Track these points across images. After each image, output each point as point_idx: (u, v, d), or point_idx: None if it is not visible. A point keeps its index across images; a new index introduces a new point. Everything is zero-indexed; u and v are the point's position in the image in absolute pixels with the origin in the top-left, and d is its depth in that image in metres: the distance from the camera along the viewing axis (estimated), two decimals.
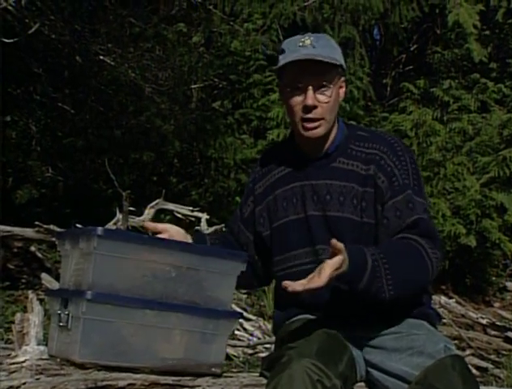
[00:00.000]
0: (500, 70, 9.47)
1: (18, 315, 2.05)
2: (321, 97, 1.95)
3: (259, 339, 5.07)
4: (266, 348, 4.87)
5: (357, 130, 2.11)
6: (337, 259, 1.75)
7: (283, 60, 1.97)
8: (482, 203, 7.93)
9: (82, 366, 1.85)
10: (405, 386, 1.89)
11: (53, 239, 4.94)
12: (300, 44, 1.96)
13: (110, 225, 5.42)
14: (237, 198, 7.22)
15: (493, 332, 6.61)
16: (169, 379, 1.89)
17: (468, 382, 1.83)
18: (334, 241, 1.75)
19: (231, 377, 2.00)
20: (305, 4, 6.87)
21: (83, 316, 1.81)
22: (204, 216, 5.98)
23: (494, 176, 7.96)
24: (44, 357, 1.93)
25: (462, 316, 6.93)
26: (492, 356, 6.00)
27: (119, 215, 5.49)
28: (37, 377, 1.83)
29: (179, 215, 6.17)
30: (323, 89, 1.96)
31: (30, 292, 2.26)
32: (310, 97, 1.94)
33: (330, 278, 1.74)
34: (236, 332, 5.03)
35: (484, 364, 5.66)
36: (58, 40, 6.57)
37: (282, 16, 6.97)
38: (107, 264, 1.83)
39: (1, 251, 5.35)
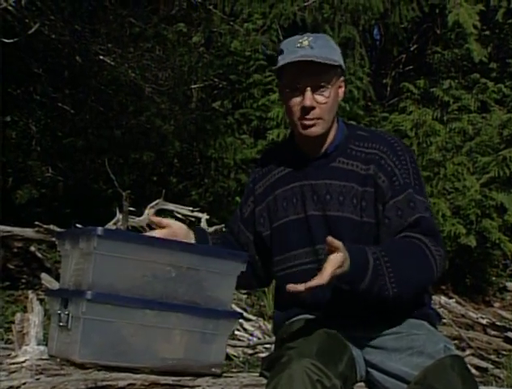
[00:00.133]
0: (500, 70, 9.48)
1: (18, 315, 2.05)
2: (319, 98, 1.96)
3: (259, 339, 5.07)
4: (266, 348, 4.87)
5: (357, 129, 2.11)
6: (338, 256, 1.75)
7: (281, 61, 1.97)
8: (482, 203, 7.94)
9: (82, 366, 1.85)
10: (405, 386, 1.89)
11: (53, 239, 4.94)
12: (299, 44, 1.96)
13: (110, 225, 5.42)
14: (237, 198, 7.22)
15: (493, 332, 6.61)
16: (169, 379, 1.89)
17: (467, 382, 1.83)
18: (330, 238, 1.75)
19: (231, 377, 2.00)
20: (305, 4, 6.87)
21: (83, 316, 1.81)
22: (204, 216, 5.98)
23: (494, 176, 7.96)
24: (44, 357, 1.93)
25: (462, 316, 6.93)
26: (492, 357, 6.00)
27: (119, 215, 5.50)
28: (37, 377, 1.83)
29: (179, 216, 6.17)
30: (321, 90, 1.96)
31: (30, 292, 2.26)
32: (308, 98, 1.95)
33: (332, 276, 1.74)
34: (236, 332, 5.03)
35: (484, 364, 5.66)
36: (58, 40, 6.57)
37: (282, 16, 6.97)
38: (107, 264, 1.83)
39: (1, 251, 5.35)
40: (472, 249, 8.03)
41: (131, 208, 5.58)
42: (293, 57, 1.93)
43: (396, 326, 1.99)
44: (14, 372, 1.86)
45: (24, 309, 3.51)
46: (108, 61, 6.67)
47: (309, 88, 1.94)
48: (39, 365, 1.88)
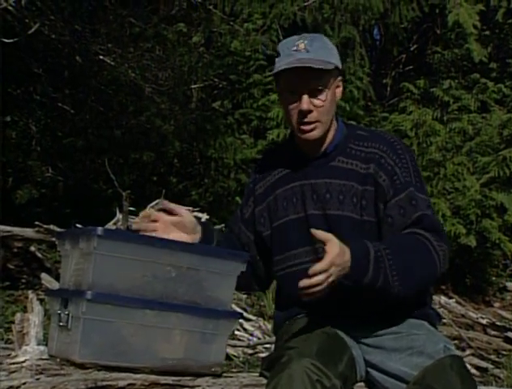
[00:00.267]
0: (500, 70, 9.48)
1: (18, 315, 2.05)
2: (316, 101, 1.96)
3: (259, 339, 5.07)
4: (266, 348, 4.87)
5: (357, 129, 2.11)
6: (333, 244, 1.76)
7: (277, 64, 1.98)
8: (482, 203, 7.93)
9: (82, 366, 1.85)
10: (404, 386, 1.89)
11: (53, 239, 4.94)
12: (295, 48, 1.96)
13: (110, 225, 5.42)
14: (237, 198, 7.22)
15: (493, 332, 6.62)
16: (169, 379, 1.89)
17: (466, 382, 1.84)
18: (313, 231, 1.77)
19: (231, 377, 2.01)
20: (305, 4, 6.87)
21: (83, 316, 1.81)
22: (204, 216, 5.98)
23: (494, 176, 7.96)
24: (44, 357, 1.93)
25: (462, 316, 6.93)
26: (492, 357, 6.00)
27: (119, 215, 5.50)
28: (37, 377, 1.83)
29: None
30: (318, 93, 1.96)
31: (30, 292, 2.26)
32: (305, 102, 1.95)
33: (333, 262, 1.74)
34: (236, 332, 5.03)
35: (484, 364, 5.66)
36: (58, 40, 6.57)
37: (282, 16, 6.97)
38: (107, 264, 1.83)
39: (1, 251, 5.35)
40: (472, 249, 8.03)
41: (131, 208, 5.58)
42: (289, 62, 1.94)
43: (396, 326, 1.99)
44: (14, 372, 1.86)
45: (24, 309, 3.52)
46: (108, 61, 6.67)
47: (305, 92, 1.95)
48: (39, 365, 1.88)
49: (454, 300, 7.58)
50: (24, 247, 5.65)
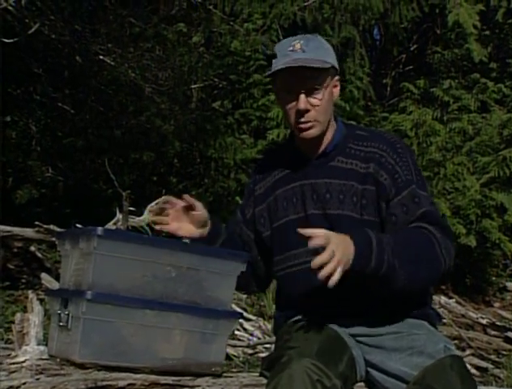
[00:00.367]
0: (500, 70, 9.47)
1: (18, 315, 2.05)
2: (313, 101, 1.97)
3: (259, 339, 5.07)
4: (266, 348, 4.87)
5: (356, 129, 2.12)
6: (328, 233, 1.77)
7: (274, 65, 1.99)
8: (482, 203, 7.93)
9: (82, 366, 1.85)
10: (404, 386, 1.89)
11: (53, 239, 4.93)
12: (291, 48, 1.97)
13: (110, 225, 5.41)
14: (237, 198, 7.22)
15: (493, 332, 6.61)
16: (169, 379, 1.89)
17: (466, 382, 1.84)
18: (301, 230, 1.78)
19: (231, 377, 2.01)
20: (305, 4, 6.87)
21: (83, 316, 1.82)
22: None
23: (494, 176, 7.96)
24: (44, 357, 1.93)
25: (463, 316, 6.93)
26: (492, 357, 6.00)
27: (119, 215, 5.49)
28: (37, 377, 1.83)
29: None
30: (315, 92, 1.97)
31: (30, 292, 2.26)
32: (302, 102, 1.96)
33: (333, 242, 1.75)
34: (236, 332, 5.03)
35: (484, 364, 5.66)
36: (58, 40, 6.57)
37: (282, 16, 6.97)
38: (107, 264, 1.83)
39: (1, 251, 5.35)
40: (472, 249, 8.03)
41: (131, 208, 5.58)
42: (285, 62, 1.95)
43: (396, 325, 1.99)
44: (14, 372, 1.86)
45: (24, 309, 3.51)
46: (108, 61, 6.67)
47: (302, 92, 1.96)
48: (39, 365, 1.88)
49: (454, 300, 7.58)
50: (24, 247, 5.66)
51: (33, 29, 5.82)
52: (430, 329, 2.01)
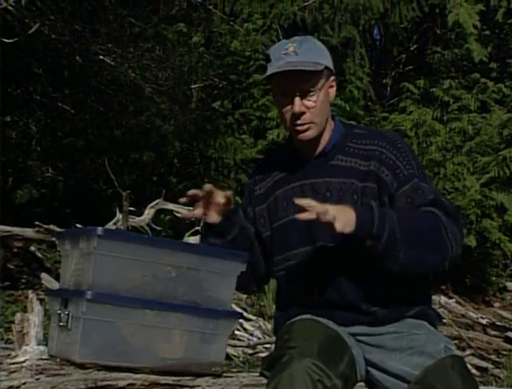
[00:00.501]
0: (500, 70, 9.47)
1: (18, 315, 2.05)
2: (308, 103, 1.98)
3: (259, 339, 5.07)
4: (266, 348, 4.87)
5: (354, 128, 2.13)
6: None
7: (269, 68, 2.00)
8: (482, 203, 7.93)
9: (82, 366, 1.85)
10: (405, 385, 1.89)
11: (53, 239, 4.93)
12: (284, 51, 1.98)
13: (110, 225, 5.42)
14: (237, 198, 7.21)
15: (493, 332, 6.61)
16: (169, 379, 1.89)
17: (468, 382, 1.84)
18: (297, 200, 1.81)
19: (231, 377, 2.01)
20: (305, 4, 6.88)
21: (83, 316, 1.81)
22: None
23: (494, 176, 7.96)
24: (44, 357, 1.93)
25: (463, 316, 6.93)
26: (492, 357, 6.00)
27: (119, 215, 5.50)
28: (37, 377, 1.83)
29: (179, 216, 6.17)
30: (309, 94, 1.98)
31: (30, 292, 2.26)
32: (297, 105, 1.97)
33: (323, 207, 1.78)
34: (236, 332, 5.03)
35: (484, 364, 5.66)
36: (58, 40, 6.57)
37: (282, 16, 6.98)
38: (107, 264, 1.83)
39: (1, 251, 5.35)
40: (472, 249, 8.02)
41: (131, 208, 5.58)
42: (278, 66, 1.96)
43: (396, 325, 1.99)
44: (14, 372, 1.86)
45: (24, 309, 3.51)
46: (108, 61, 6.67)
47: (297, 94, 1.97)
48: (39, 365, 1.88)
49: (454, 300, 7.58)
50: (24, 247, 5.66)
51: (33, 29, 5.83)
52: (430, 329, 2.00)
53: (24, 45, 6.45)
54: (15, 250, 5.66)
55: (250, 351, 4.84)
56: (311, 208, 1.79)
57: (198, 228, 5.88)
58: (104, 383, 1.83)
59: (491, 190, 8.01)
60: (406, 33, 9.10)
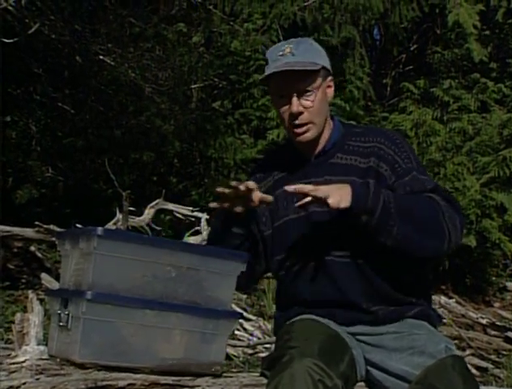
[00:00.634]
0: (500, 69, 9.47)
1: (18, 315, 2.05)
2: (305, 103, 1.99)
3: (259, 339, 5.07)
4: (266, 348, 4.87)
5: (353, 127, 2.16)
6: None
7: (266, 70, 2.02)
8: (482, 202, 7.93)
9: (82, 366, 1.85)
10: (405, 385, 1.89)
11: (53, 239, 4.93)
12: (281, 52, 2.00)
13: (110, 225, 5.42)
14: None
15: (493, 332, 6.61)
16: (169, 379, 1.89)
17: (468, 382, 1.84)
18: (287, 188, 1.84)
19: (231, 377, 2.01)
20: (305, 4, 6.88)
21: (83, 316, 1.81)
22: (204, 216, 5.98)
23: (494, 176, 7.96)
24: (44, 357, 1.93)
25: (463, 316, 6.93)
26: (492, 356, 6.00)
27: (119, 215, 5.50)
28: (37, 377, 1.83)
29: (179, 215, 6.18)
30: (307, 94, 1.99)
31: (30, 292, 2.26)
32: (295, 105, 1.98)
33: (317, 189, 1.82)
34: (236, 332, 5.03)
35: (484, 364, 5.66)
36: (58, 40, 6.57)
37: (282, 16, 6.98)
38: (107, 264, 1.83)
39: (1, 251, 5.35)
40: (472, 249, 8.02)
41: (131, 208, 5.58)
42: (275, 67, 1.98)
43: (397, 325, 1.99)
44: (14, 372, 1.86)
45: (24, 309, 3.51)
46: (108, 61, 6.67)
47: (294, 95, 1.98)
48: (39, 365, 1.88)
49: (454, 300, 7.57)
50: (24, 247, 5.66)
51: (33, 29, 5.83)
52: (431, 329, 2.01)
53: (24, 45, 6.45)
54: (15, 250, 5.66)
55: (250, 351, 4.84)
56: (299, 190, 1.80)
57: (199, 228, 5.89)
58: (104, 383, 1.83)
59: (491, 190, 8.01)
60: (406, 33, 9.10)
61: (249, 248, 2.11)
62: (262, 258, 2.14)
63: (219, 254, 1.97)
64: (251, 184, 1.98)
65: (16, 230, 5.27)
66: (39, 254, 5.69)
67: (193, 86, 7.84)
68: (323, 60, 2.03)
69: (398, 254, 1.90)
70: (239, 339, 5.03)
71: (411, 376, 1.88)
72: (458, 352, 2.01)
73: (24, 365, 1.88)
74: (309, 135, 2.02)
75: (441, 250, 1.92)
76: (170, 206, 6.15)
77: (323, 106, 2.03)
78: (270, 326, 5.20)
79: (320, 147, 2.06)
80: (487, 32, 9.39)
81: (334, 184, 1.89)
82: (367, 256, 1.95)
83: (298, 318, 2.02)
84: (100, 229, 1.82)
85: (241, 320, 4.73)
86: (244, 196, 1.98)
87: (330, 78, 2.06)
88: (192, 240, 5.52)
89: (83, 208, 6.79)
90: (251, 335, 5.13)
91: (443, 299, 7.18)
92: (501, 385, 5.12)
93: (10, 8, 5.64)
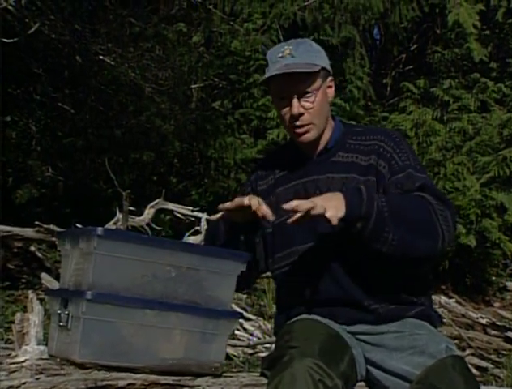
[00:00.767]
0: (500, 69, 9.47)
1: (18, 315, 2.05)
2: (306, 104, 2.00)
3: (259, 338, 5.07)
4: (266, 347, 4.87)
5: (354, 127, 2.18)
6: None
7: (266, 72, 2.02)
8: (482, 202, 7.93)
9: (82, 366, 1.85)
10: (406, 385, 1.89)
11: (53, 239, 4.94)
12: (280, 54, 2.00)
13: (110, 225, 5.42)
14: None
15: (493, 332, 6.61)
16: (169, 379, 1.89)
17: (469, 382, 1.84)
18: (285, 206, 1.81)
19: (231, 377, 2.01)
20: (305, 4, 6.88)
21: (83, 316, 1.81)
22: (204, 216, 5.98)
23: (494, 175, 7.96)
24: (44, 357, 1.93)
25: (463, 316, 6.93)
26: (492, 356, 6.00)
27: (119, 215, 5.50)
28: (37, 377, 1.83)
29: (179, 215, 6.18)
30: (307, 96, 1.99)
31: (30, 291, 2.26)
32: (295, 106, 1.99)
33: (314, 202, 1.79)
34: (236, 332, 5.03)
35: (484, 364, 5.66)
36: (58, 40, 6.57)
37: (282, 16, 6.98)
38: (107, 264, 1.83)
39: (1, 251, 5.35)
40: (472, 248, 8.03)
41: (131, 208, 5.58)
42: (274, 69, 1.98)
43: (397, 325, 1.99)
44: (14, 372, 1.86)
45: (24, 309, 3.52)
46: (108, 60, 6.67)
47: (295, 96, 1.98)
48: (39, 365, 1.88)
49: (454, 299, 7.58)
50: (24, 247, 5.66)
51: (33, 29, 5.83)
52: (432, 329, 2.00)
53: (24, 45, 6.45)
54: (15, 249, 5.66)
55: (250, 351, 4.84)
56: (299, 208, 1.79)
57: (198, 228, 5.89)
58: (104, 383, 1.83)
59: (491, 189, 8.01)
60: (406, 33, 9.10)
61: (250, 247, 2.11)
62: (262, 258, 2.14)
63: (219, 254, 1.97)
64: (254, 202, 1.95)
65: (16, 230, 5.28)
66: (39, 254, 5.69)
67: (193, 86, 7.84)
68: (323, 61, 2.03)
69: (393, 259, 1.90)
70: (239, 339, 5.03)
71: (412, 376, 1.88)
72: (459, 353, 2.01)
73: (24, 364, 1.88)
74: (309, 136, 2.03)
75: (436, 250, 1.92)
76: (170, 206, 6.15)
77: (324, 107, 2.03)
78: (270, 325, 5.21)
79: (321, 146, 2.07)
80: (487, 32, 9.40)
81: (326, 194, 1.87)
82: (368, 254, 1.95)
83: (298, 318, 2.02)
84: (100, 229, 1.82)
85: (241, 320, 4.73)
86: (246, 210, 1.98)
87: (330, 78, 2.07)
88: (192, 240, 5.52)
89: (83, 208, 6.79)
90: (251, 334, 5.13)
91: (443, 299, 7.18)
92: (501, 385, 5.12)
93: (10, 8, 5.64)
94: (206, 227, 5.76)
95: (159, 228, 6.04)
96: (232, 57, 7.95)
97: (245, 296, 6.02)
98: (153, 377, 1.88)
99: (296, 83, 1.98)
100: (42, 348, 1.96)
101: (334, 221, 1.79)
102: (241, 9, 7.08)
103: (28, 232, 5.29)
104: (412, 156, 2.03)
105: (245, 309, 5.60)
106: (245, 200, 1.95)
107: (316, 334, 1.89)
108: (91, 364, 1.84)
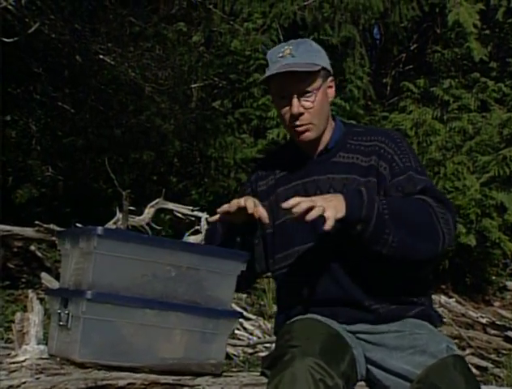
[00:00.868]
0: (500, 69, 9.47)
1: (18, 314, 2.05)
2: (306, 104, 1.99)
3: (259, 338, 5.07)
4: (266, 347, 4.87)
5: (354, 127, 2.17)
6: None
7: (267, 71, 2.02)
8: (482, 202, 7.94)
9: (82, 366, 1.84)
10: (406, 384, 1.89)
11: (53, 238, 4.94)
12: (280, 54, 2.01)
13: (110, 225, 5.42)
14: None
15: (493, 331, 6.62)
16: (169, 379, 1.89)
17: (470, 382, 1.84)
18: (284, 204, 1.81)
19: (231, 376, 2.01)
20: (305, 3, 6.88)
21: (83, 316, 1.81)
22: (204, 216, 5.99)
23: (494, 175, 7.96)
24: (44, 357, 1.93)
25: (462, 315, 6.93)
26: (492, 356, 6.01)
27: (119, 215, 5.50)
28: (37, 376, 1.83)
29: (179, 215, 6.18)
30: (307, 95, 1.99)
31: (30, 291, 2.26)
32: (295, 106, 1.98)
33: (313, 200, 1.79)
34: (236, 332, 5.03)
35: (483, 363, 5.67)
36: (58, 40, 6.57)
37: (282, 16, 6.98)
38: (107, 264, 1.83)
39: (1, 251, 5.35)
40: (472, 248, 8.03)
41: (131, 207, 5.59)
42: (275, 69, 1.98)
43: (398, 324, 1.99)
44: (14, 371, 1.86)
45: (24, 309, 3.52)
46: (108, 60, 6.67)
47: (295, 96, 1.98)
48: (39, 365, 1.88)
49: (454, 299, 7.58)
50: (24, 246, 5.66)
51: (33, 28, 5.83)
52: (432, 329, 2.00)
53: (24, 45, 6.45)
54: (15, 249, 5.66)
55: (250, 350, 4.84)
56: (298, 205, 1.79)
57: (198, 227, 5.89)
58: (104, 383, 1.83)
59: (491, 189, 8.01)
60: (406, 32, 9.10)
61: (247, 249, 2.11)
62: (262, 258, 2.15)
63: (220, 254, 1.97)
64: (250, 204, 1.95)
65: (16, 229, 5.28)
66: (39, 254, 5.69)
67: (193, 85, 7.84)
68: (323, 61, 2.03)
69: (394, 261, 1.90)
70: (239, 339, 5.03)
71: (412, 375, 1.88)
72: (460, 352, 2.01)
73: (24, 364, 1.88)
74: (310, 135, 2.02)
75: (436, 253, 1.92)
76: (170, 205, 6.16)
77: (324, 107, 2.03)
78: (270, 325, 5.21)
79: (322, 146, 2.07)
80: (487, 32, 9.40)
81: (327, 195, 1.88)
82: (368, 255, 1.95)
83: (299, 317, 2.02)
84: (100, 229, 1.82)
85: (241, 319, 4.73)
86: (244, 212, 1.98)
87: (330, 78, 2.07)
88: (192, 239, 5.52)
89: (83, 208, 6.80)
90: (251, 334, 5.14)
91: (443, 298, 7.18)
92: (501, 384, 5.13)
93: (10, 7, 5.64)
94: (206, 226, 5.77)
95: (159, 227, 6.05)
96: (232, 57, 7.95)
97: (245, 295, 6.02)
98: (153, 376, 1.88)
99: (297, 82, 1.98)
100: (42, 347, 1.96)
101: (332, 221, 1.79)
102: (240, 8, 7.08)
103: (28, 231, 5.29)
104: (413, 157, 2.03)
105: (245, 309, 5.60)
106: (242, 202, 1.95)
107: (316, 333, 1.89)
108: (91, 363, 1.84)
